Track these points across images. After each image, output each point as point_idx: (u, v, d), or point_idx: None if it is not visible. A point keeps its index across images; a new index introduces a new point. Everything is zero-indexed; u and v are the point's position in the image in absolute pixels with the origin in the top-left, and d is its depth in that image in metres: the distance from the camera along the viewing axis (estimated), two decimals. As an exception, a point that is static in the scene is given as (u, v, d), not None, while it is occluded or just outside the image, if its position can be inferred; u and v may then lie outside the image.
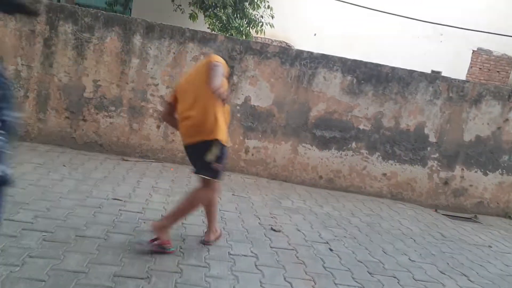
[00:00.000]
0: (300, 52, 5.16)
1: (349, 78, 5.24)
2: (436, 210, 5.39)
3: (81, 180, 3.85)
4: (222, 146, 2.66)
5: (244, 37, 7.74)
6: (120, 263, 2.41)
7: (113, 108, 4.96)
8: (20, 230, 2.57)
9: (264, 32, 8.34)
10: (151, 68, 4.95)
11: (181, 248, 2.78)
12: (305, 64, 5.14)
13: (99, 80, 4.88)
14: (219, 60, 2.67)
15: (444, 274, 3.22)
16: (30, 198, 3.15)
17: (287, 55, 5.11)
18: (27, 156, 4.29)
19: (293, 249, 3.14)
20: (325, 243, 3.43)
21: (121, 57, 4.88)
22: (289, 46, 9.51)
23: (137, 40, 4.86)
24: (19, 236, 2.50)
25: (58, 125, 4.90)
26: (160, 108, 5.03)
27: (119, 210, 3.26)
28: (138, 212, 3.30)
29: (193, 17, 8.03)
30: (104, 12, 4.96)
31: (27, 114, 4.81)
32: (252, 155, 5.28)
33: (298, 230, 3.60)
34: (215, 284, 2.39)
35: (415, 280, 3.02)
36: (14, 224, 2.64)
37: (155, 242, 2.63)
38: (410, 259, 3.41)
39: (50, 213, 2.95)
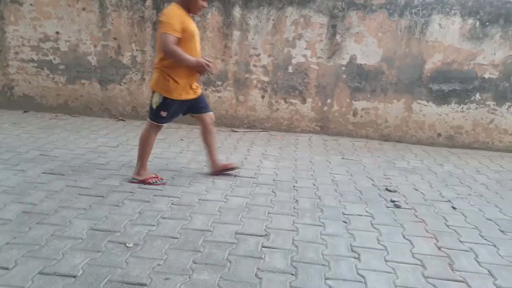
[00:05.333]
0: (410, 0, 4.71)
1: (470, 21, 4.65)
2: None
3: (197, 151, 4.15)
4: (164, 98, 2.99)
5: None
6: (240, 222, 2.57)
7: (219, 83, 5.19)
8: (152, 196, 2.89)
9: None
10: (252, 39, 5.02)
11: (295, 208, 2.84)
12: (417, 12, 4.69)
13: (205, 57, 5.11)
14: (167, 22, 2.80)
15: None
16: (157, 169, 3.50)
17: (395, 5, 4.72)
18: (152, 132, 4.77)
19: (411, 208, 2.98)
20: (446, 201, 3.18)
21: (223, 31, 5.03)
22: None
23: (236, 12, 4.95)
24: (152, 201, 2.81)
25: (174, 103, 5.31)
26: (263, 78, 5.11)
27: (235, 176, 3.45)
28: (251, 177, 3.45)
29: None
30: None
31: (145, 95, 5.31)
32: (361, 117, 5.08)
33: (416, 190, 3.40)
34: (331, 241, 2.40)
35: None
36: (146, 191, 2.98)
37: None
38: (555, 218, 2.97)
39: (174, 181, 3.25)
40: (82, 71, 5.35)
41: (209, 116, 3.32)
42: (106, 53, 5.26)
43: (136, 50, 5.20)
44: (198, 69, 2.99)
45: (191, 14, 2.99)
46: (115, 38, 5.20)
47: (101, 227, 2.37)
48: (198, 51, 3.05)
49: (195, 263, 2.06)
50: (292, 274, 2.03)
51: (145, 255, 2.10)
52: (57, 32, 5.24)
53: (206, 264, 2.06)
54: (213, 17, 5.00)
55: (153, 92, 3.06)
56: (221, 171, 3.44)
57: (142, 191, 2.97)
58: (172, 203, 2.79)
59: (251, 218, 2.64)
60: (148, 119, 3.12)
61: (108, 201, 2.75)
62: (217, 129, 5.12)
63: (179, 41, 2.86)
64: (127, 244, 2.18)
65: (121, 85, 5.34)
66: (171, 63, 2.91)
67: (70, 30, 5.22)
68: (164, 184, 3.15)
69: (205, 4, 3.01)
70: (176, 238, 2.30)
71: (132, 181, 3.15)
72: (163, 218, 2.56)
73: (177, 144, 4.37)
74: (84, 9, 5.14)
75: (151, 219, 2.53)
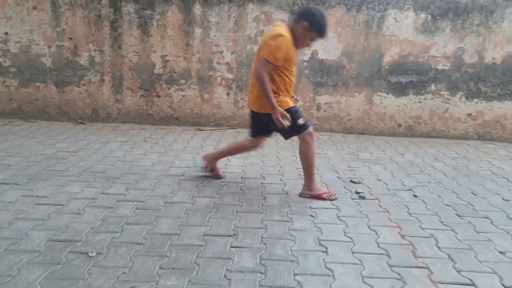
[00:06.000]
0: (366, -5, 4.82)
1: (422, 15, 4.81)
2: (534, 147, 4.90)
3: (162, 152, 4.07)
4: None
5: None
6: (208, 223, 2.54)
7: (183, 81, 5.11)
8: (115, 202, 2.81)
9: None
10: (214, 36, 4.96)
11: (263, 205, 2.84)
12: (373, 7, 4.80)
13: (167, 55, 5.02)
14: (276, 43, 2.70)
15: (548, 211, 2.94)
16: (120, 173, 3.40)
17: (352, 0, 4.80)
18: (112, 135, 4.64)
19: (375, 199, 3.05)
20: (408, 190, 3.29)
21: (184, 29, 4.95)
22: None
23: (197, 9, 4.88)
24: (115, 207, 2.73)
25: (135, 104, 5.19)
26: (228, 75, 5.07)
27: (201, 176, 3.40)
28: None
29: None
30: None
31: (105, 97, 5.15)
32: (325, 111, 5.15)
33: (379, 180, 3.49)
34: (299, 236, 2.42)
35: (510, 219, 2.80)
36: (109, 197, 2.89)
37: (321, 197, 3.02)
38: (503, 199, 3.17)
39: (139, 184, 3.17)
40: (36, 74, 5.11)
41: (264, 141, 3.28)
42: (61, 54, 5.05)
43: (94, 50, 5.03)
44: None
45: None
46: (70, 38, 4.99)
47: (61, 237, 2.27)
48: (294, 81, 2.98)
49: (162, 268, 2.02)
50: (261, 273, 2.02)
51: (108, 264, 2.03)
52: (6, 33, 4.97)
53: (173, 269, 2.02)
54: (173, 14, 4.90)
55: (268, 114, 2.86)
56: (210, 171, 3.35)
57: (104, 197, 2.87)
58: (137, 208, 2.72)
59: (219, 218, 2.62)
60: (299, 136, 2.93)
61: (68, 209, 2.64)
62: (183, 129, 5.06)
63: (278, 68, 2.78)
64: (89, 254, 2.10)
65: (79, 87, 5.15)
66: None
67: (21, 30, 4.97)
68: (335, 199, 3.00)
69: (310, 44, 2.90)
70: (142, 244, 2.25)
71: (303, 195, 3.05)
72: (128, 224, 2.48)
73: (140, 146, 4.26)
74: (35, 8, 4.90)
75: (115, 225, 2.45)
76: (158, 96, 5.15)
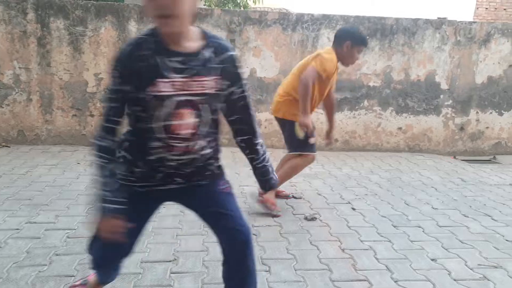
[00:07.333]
0: (301, 16, 4.99)
1: (351, 35, 5.06)
2: (454, 157, 5.36)
3: (97, 174, 3.84)
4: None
5: (242, 8, 7.57)
6: (146, 249, 2.41)
7: (118, 100, 4.91)
8: (43, 231, 2.59)
9: (262, 1, 8.14)
10: (150, 54, 4.85)
11: (205, 227, 2.77)
12: (307, 27, 4.98)
13: (101, 73, 4.81)
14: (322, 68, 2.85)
15: (467, 217, 3.20)
16: (49, 199, 3.16)
17: (287, 20, 4.95)
18: (41, 158, 4.31)
19: (316, 213, 3.10)
20: (347, 203, 3.40)
21: (119, 46, 4.78)
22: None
23: (132, 26, 4.75)
24: (43, 237, 2.51)
25: (67, 124, 4.89)
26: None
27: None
28: (157, 198, 3.29)
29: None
30: (94, 2, 4.84)
31: (33, 117, 4.81)
32: (265, 127, 5.21)
33: (319, 195, 3.57)
34: (242, 258, 2.37)
35: (440, 226, 2.98)
36: (36, 226, 2.66)
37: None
38: (433, 208, 3.37)
39: (70, 211, 2.96)
40: (-50, 94, 4.64)
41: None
42: (-20, 72, 4.65)
43: (19, 68, 4.69)
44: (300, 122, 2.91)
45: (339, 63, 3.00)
46: (-9, 56, 4.63)
47: (-22, 276, 2.04)
48: (321, 98, 3.10)
49: (95, 302, 1.87)
50: (203, 298, 1.95)
51: (34, 302, 1.85)
52: None
53: (108, 301, 1.88)
54: (106, 31, 4.72)
55: (292, 122, 3.01)
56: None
57: (31, 227, 2.64)
58: (68, 236, 2.53)
59: (158, 243, 2.51)
60: (298, 152, 3.06)
61: (-13, 243, 2.38)
62: (118, 149, 4.83)
63: (316, 80, 2.88)
64: (10, 292, 1.90)
65: (2, 107, 4.76)
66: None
67: None
68: (279, 216, 3.00)
69: (359, 57, 3.02)
70: (73, 276, 2.07)
71: (259, 198, 3.03)
72: (57, 254, 2.29)
73: (73, 169, 4.00)
74: (-52, 22, 4.48)
75: (42, 257, 2.24)
76: (92, 116, 4.90)
